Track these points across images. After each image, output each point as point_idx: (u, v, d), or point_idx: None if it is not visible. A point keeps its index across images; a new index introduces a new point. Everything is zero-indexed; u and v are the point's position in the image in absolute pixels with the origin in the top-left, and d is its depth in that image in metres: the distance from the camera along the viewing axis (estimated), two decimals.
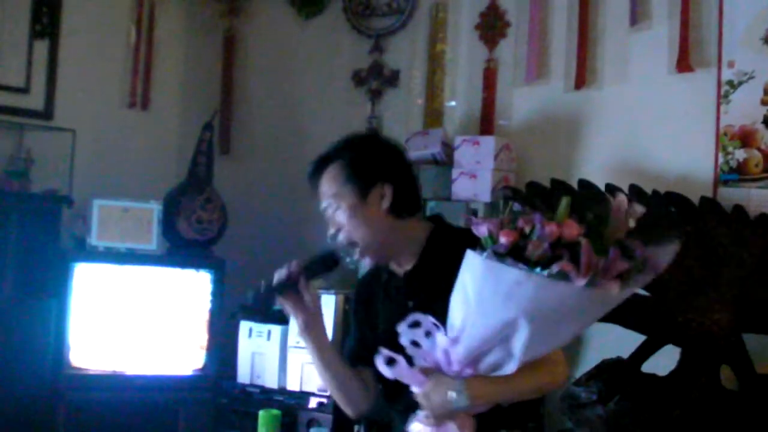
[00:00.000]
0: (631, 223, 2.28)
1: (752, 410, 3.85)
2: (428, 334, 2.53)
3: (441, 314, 2.52)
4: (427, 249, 2.84)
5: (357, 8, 5.56)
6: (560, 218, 2.26)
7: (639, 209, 2.29)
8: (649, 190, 4.24)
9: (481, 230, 2.31)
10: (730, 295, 3.90)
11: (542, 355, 2.45)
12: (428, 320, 2.52)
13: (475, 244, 2.33)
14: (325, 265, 2.85)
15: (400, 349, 2.58)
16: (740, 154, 4.31)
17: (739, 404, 3.89)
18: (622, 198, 2.32)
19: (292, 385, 4.76)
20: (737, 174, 4.31)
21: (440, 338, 2.50)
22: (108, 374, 4.79)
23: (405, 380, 2.56)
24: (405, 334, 2.55)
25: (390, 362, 2.55)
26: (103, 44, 5.49)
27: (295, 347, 4.73)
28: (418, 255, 2.85)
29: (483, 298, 2.34)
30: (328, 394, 4.61)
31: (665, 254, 2.29)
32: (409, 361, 2.54)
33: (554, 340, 2.44)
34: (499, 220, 2.31)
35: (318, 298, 2.85)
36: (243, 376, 4.90)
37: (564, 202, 2.28)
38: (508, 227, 2.27)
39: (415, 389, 2.55)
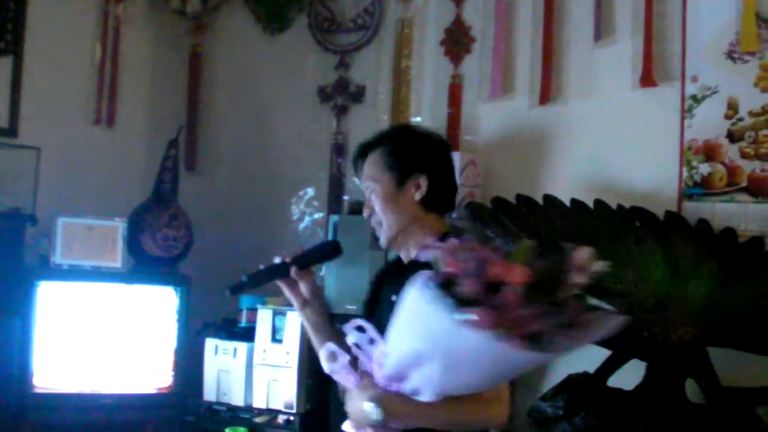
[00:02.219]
0: (584, 280, 2.21)
1: (718, 424, 3.86)
2: (372, 341, 2.54)
3: None
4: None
5: (322, 24, 5.56)
6: (516, 260, 2.21)
7: (599, 266, 2.22)
8: (614, 205, 4.26)
9: (428, 255, 2.30)
10: (694, 309, 3.91)
11: (463, 392, 2.44)
12: (371, 328, 2.54)
13: None
14: (322, 254, 3.01)
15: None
16: (704, 169, 4.33)
17: (704, 418, 3.90)
18: (583, 252, 2.25)
19: (259, 403, 4.73)
20: (702, 188, 4.33)
21: (377, 349, 2.51)
22: (74, 394, 4.73)
23: (338, 378, 2.63)
24: (351, 335, 2.57)
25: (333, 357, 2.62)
26: (68, 61, 5.45)
27: (261, 364, 4.71)
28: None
29: (405, 321, 2.33)
30: (295, 411, 4.60)
31: (601, 327, 2.22)
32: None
33: (471, 381, 2.39)
34: (452, 248, 2.28)
35: (312, 284, 2.97)
36: (209, 393, 4.86)
37: (524, 245, 2.23)
38: (456, 257, 2.24)
39: (344, 389, 2.61)
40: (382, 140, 2.97)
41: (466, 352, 2.20)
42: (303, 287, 2.95)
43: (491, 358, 2.19)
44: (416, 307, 2.26)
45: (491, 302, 2.12)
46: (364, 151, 2.97)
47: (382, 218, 2.88)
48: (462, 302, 2.14)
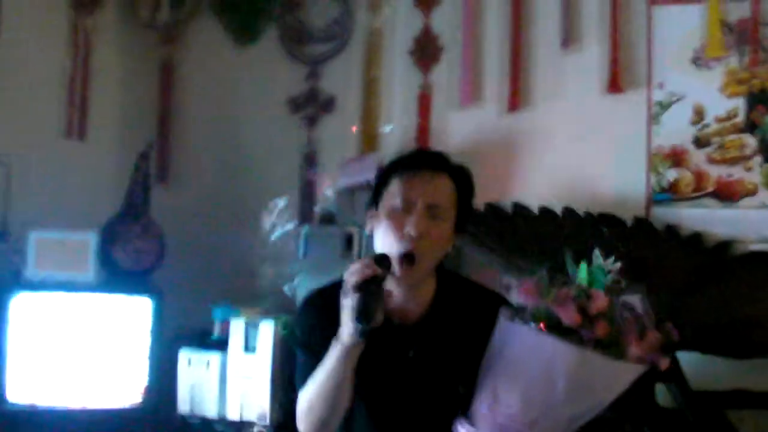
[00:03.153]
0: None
1: (688, 428, 3.88)
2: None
3: (445, 369, 2.63)
4: (438, 300, 2.79)
5: (292, 35, 5.56)
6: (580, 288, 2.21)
7: (615, 267, 2.23)
8: (581, 212, 4.27)
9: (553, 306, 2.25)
10: (663, 314, 3.92)
11: None
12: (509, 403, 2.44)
13: (495, 302, 2.26)
14: (386, 266, 2.58)
15: (390, 395, 2.65)
16: (672, 174, 4.36)
17: (675, 422, 3.92)
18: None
19: (232, 415, 4.72)
20: (669, 194, 4.35)
21: (512, 420, 2.43)
22: (46, 409, 4.70)
23: None
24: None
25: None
26: (38, 73, 5.42)
27: (235, 376, 4.71)
28: (427, 304, 2.78)
29: (576, 387, 2.29)
30: (268, 422, 4.59)
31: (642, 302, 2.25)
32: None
33: None
34: (555, 295, 2.24)
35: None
36: (183, 406, 4.86)
37: (582, 269, 2.21)
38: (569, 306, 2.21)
39: None
40: (453, 170, 2.74)
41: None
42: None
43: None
44: (588, 372, 2.23)
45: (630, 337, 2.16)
46: (438, 163, 2.73)
47: (430, 251, 2.65)
48: (605, 346, 2.15)
